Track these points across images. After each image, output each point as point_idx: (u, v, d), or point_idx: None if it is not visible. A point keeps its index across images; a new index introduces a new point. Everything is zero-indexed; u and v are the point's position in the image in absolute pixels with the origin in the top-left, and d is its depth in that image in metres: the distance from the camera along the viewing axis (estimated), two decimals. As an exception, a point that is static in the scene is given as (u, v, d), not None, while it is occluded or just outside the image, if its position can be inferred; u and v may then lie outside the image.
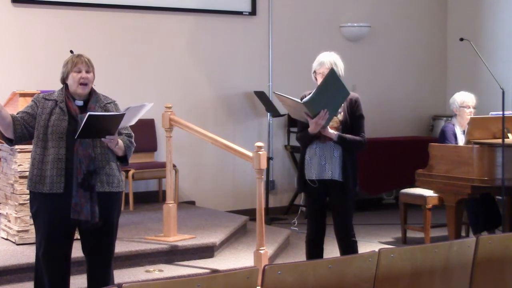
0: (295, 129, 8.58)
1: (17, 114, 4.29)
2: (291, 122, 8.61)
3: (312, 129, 4.85)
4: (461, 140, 6.56)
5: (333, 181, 4.96)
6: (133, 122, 4.44)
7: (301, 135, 5.05)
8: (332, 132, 4.91)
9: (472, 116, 6.57)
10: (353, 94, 5.03)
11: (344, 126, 4.98)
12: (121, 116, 4.20)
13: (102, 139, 4.20)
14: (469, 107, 6.62)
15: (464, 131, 6.61)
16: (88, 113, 4.09)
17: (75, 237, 4.36)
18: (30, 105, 4.31)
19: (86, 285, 4.43)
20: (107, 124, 4.16)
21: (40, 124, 4.24)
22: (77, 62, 4.27)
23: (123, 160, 4.39)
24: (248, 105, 8.57)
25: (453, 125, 6.65)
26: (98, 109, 4.30)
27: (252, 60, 8.60)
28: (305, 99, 4.80)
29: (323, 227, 5.10)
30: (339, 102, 4.85)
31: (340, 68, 5.00)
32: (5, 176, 5.93)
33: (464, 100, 6.64)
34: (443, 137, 6.60)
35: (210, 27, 8.34)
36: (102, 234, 4.30)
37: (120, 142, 4.31)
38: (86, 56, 4.34)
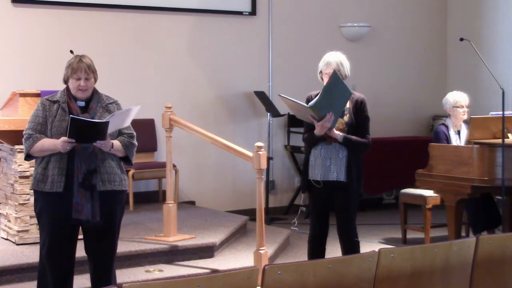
0: (295, 129, 8.69)
1: (34, 130, 4.23)
2: (291, 122, 8.61)
3: (318, 131, 4.86)
4: (454, 140, 6.55)
5: (338, 182, 4.96)
6: (125, 125, 4.36)
7: (307, 136, 5.04)
8: (337, 133, 4.91)
9: (466, 115, 6.58)
10: (358, 95, 5.03)
11: (350, 128, 4.97)
12: (105, 124, 4.12)
13: (94, 144, 4.17)
14: (463, 107, 6.58)
15: (458, 131, 6.61)
16: (70, 116, 4.06)
17: (78, 237, 4.36)
18: (40, 114, 4.26)
19: (87, 284, 4.44)
20: (92, 130, 4.10)
21: (49, 127, 4.25)
22: (77, 70, 4.22)
23: (126, 160, 4.39)
24: (248, 105, 8.57)
25: (446, 126, 6.64)
26: (100, 109, 4.30)
27: (252, 60, 8.60)
28: (311, 103, 4.80)
29: (326, 227, 5.10)
30: (342, 103, 4.87)
31: (346, 68, 5.00)
32: (5, 176, 5.93)
33: (457, 100, 6.60)
34: (435, 139, 6.61)
35: (210, 27, 8.34)
36: (105, 234, 4.31)
37: (116, 143, 4.29)
38: (87, 59, 4.28)
